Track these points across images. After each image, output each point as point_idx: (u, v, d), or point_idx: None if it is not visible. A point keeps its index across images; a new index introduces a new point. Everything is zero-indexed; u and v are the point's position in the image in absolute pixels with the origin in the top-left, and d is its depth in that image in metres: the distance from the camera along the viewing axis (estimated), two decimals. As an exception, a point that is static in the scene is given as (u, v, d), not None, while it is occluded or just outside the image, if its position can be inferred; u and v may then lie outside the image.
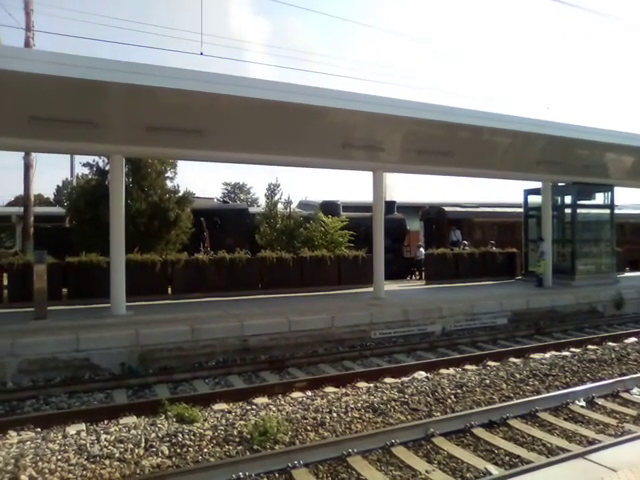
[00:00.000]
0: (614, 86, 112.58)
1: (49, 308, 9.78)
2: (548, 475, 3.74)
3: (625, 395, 6.82)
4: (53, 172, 67.97)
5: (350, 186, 79.41)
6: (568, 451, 4.85)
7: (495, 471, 4.57)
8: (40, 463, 4.57)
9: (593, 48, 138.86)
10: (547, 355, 8.90)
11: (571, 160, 14.84)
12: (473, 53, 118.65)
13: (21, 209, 16.44)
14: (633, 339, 10.25)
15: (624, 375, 7.67)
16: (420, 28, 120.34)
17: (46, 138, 9.52)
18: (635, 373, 7.77)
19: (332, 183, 79.53)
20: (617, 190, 17.33)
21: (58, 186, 41.01)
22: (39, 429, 5.51)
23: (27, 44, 14.45)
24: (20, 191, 17.16)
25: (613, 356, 8.81)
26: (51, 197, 41.22)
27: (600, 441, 5.13)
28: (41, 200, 34.98)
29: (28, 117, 8.56)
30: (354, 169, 13.92)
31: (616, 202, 17.83)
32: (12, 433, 5.41)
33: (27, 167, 14.96)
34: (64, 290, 12.13)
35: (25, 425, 5.58)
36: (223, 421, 5.65)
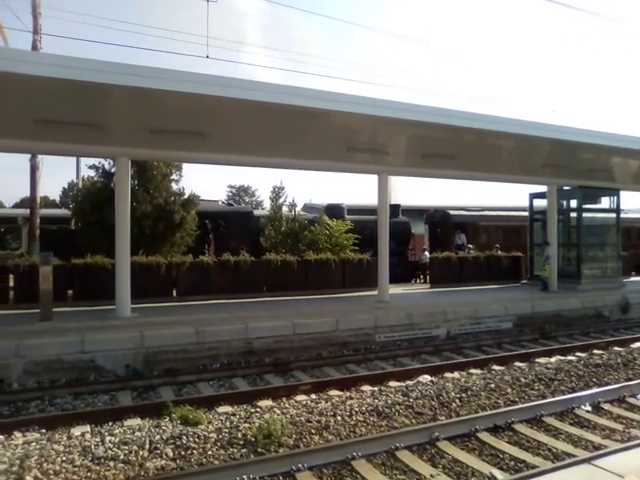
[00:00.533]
0: (619, 89, 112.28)
1: (54, 309, 9.82)
2: (554, 480, 3.72)
3: (631, 400, 6.76)
4: (59, 174, 68.50)
5: (355, 189, 79.50)
6: (574, 456, 4.81)
7: (500, 476, 4.54)
8: (45, 464, 4.59)
9: (595, 50, 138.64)
10: (552, 359, 8.86)
11: (577, 164, 14.77)
12: (473, 55, 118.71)
13: (27, 211, 16.58)
14: (639, 344, 10.18)
15: (630, 380, 7.60)
16: (419, 30, 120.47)
17: (52, 140, 9.56)
18: (642, 378, 7.71)
19: (337, 184, 79.45)
20: (623, 194, 17.28)
21: (64, 188, 41.33)
22: (44, 430, 5.53)
23: (34, 47, 14.56)
24: (26, 193, 17.34)
25: (619, 361, 8.75)
26: (57, 199, 41.60)
27: (606, 446, 5.09)
28: (47, 202, 35.23)
29: (34, 119, 8.60)
30: (359, 172, 13.90)
31: (622, 206, 17.76)
32: (17, 434, 5.43)
33: (33, 169, 15.05)
34: (69, 292, 12.18)
35: (30, 426, 5.60)
36: (227, 424, 5.64)
